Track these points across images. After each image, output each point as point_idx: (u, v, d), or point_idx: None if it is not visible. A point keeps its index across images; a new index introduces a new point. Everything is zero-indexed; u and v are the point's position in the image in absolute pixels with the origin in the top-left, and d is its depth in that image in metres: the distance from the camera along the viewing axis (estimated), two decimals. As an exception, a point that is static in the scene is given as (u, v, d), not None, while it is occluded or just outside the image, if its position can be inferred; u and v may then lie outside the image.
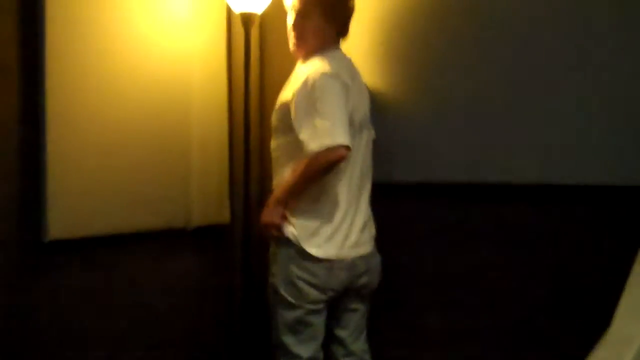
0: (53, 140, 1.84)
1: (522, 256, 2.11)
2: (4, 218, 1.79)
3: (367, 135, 2.06)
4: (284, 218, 1.94)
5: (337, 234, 1.93)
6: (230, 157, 2.45)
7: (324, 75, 1.87)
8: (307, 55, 2.00)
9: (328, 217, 1.93)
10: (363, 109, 2.05)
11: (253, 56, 2.39)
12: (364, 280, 2.02)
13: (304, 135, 1.84)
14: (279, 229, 1.93)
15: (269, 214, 1.95)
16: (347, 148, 1.82)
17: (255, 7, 2.21)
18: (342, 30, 2.06)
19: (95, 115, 1.96)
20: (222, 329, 2.48)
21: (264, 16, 2.30)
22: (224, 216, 2.43)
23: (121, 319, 2.09)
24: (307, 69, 1.92)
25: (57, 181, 1.85)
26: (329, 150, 1.79)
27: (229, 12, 2.39)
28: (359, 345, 2.10)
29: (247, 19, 2.23)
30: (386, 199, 2.16)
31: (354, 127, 1.93)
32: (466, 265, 2.20)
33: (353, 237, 1.96)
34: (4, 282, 1.79)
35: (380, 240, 2.09)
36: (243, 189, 2.33)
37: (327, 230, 1.92)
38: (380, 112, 2.22)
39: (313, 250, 1.90)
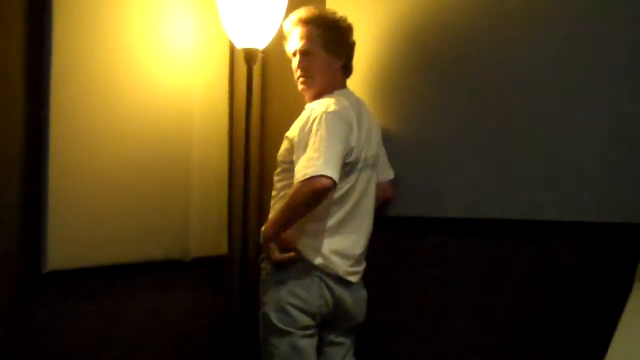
0: (55, 173, 1.87)
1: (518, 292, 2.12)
2: (4, 249, 1.80)
3: (371, 174, 2.07)
4: (288, 242, 1.94)
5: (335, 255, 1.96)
6: (230, 189, 2.48)
7: (326, 113, 1.90)
8: (318, 96, 2.03)
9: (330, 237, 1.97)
10: (372, 148, 2.06)
11: (255, 91, 2.43)
12: (350, 310, 2.02)
13: (296, 167, 1.87)
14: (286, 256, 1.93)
15: (268, 253, 1.96)
16: (332, 180, 1.82)
17: (258, 43, 2.25)
18: (347, 65, 2.10)
19: (97, 149, 1.99)
20: (219, 360, 2.48)
21: (266, 52, 2.34)
22: (222, 248, 2.45)
23: (118, 349, 2.09)
24: (314, 106, 1.95)
25: (57, 213, 1.87)
26: (312, 179, 1.80)
27: (232, 47, 2.43)
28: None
29: (249, 55, 2.26)
30: (384, 233, 2.17)
31: (356, 164, 1.97)
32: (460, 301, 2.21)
33: (348, 263, 1.99)
34: (2, 313, 1.80)
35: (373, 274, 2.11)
36: (242, 221, 2.34)
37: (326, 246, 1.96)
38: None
39: (318, 260, 1.93)
